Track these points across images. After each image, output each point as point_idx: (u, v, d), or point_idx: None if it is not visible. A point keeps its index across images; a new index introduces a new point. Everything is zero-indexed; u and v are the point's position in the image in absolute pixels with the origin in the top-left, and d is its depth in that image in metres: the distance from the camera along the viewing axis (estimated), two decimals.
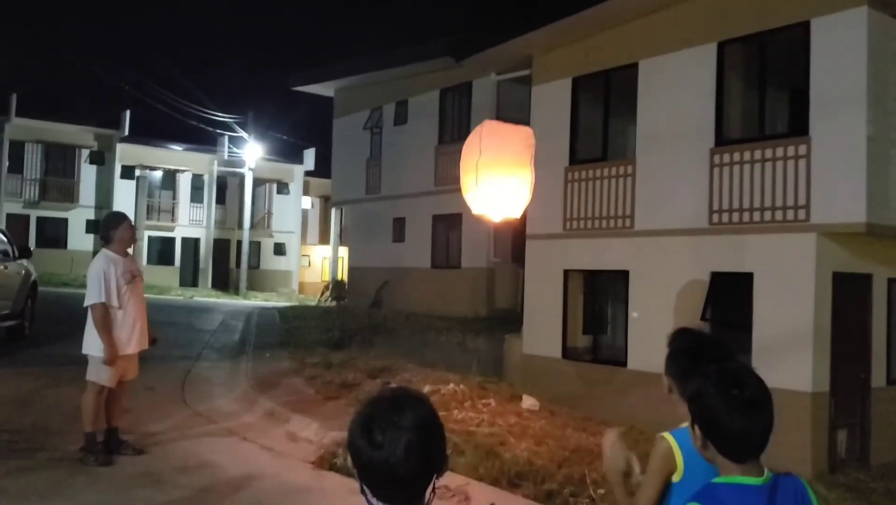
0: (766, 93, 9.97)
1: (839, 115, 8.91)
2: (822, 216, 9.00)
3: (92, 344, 5.92)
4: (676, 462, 2.56)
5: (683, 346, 2.93)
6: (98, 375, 5.98)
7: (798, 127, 9.37)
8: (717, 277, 10.06)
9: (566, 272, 12.09)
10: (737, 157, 9.87)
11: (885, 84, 9.04)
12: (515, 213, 5.89)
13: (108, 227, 6.18)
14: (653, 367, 10.84)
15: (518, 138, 5.91)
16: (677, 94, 10.74)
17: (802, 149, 9.18)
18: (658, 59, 11.03)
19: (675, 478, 2.58)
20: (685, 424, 2.38)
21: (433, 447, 1.64)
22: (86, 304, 5.80)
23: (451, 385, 9.40)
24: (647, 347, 10.69)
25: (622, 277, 11.25)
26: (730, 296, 9.97)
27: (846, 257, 9.36)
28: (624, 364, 11.02)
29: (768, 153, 9.54)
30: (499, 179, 5.68)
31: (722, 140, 10.15)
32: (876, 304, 9.78)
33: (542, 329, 12.11)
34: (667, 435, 2.62)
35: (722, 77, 10.26)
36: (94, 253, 32.81)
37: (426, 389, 9.21)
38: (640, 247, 10.99)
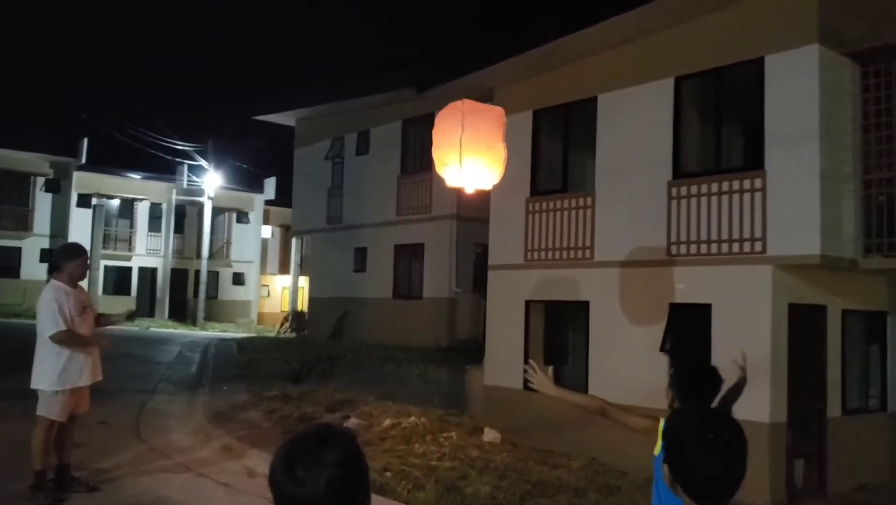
0: (722, 127, 10.16)
1: (793, 150, 9.10)
2: (778, 248, 9.15)
3: (42, 378, 5.75)
4: (659, 439, 3.19)
5: (686, 370, 3.81)
6: (49, 409, 5.81)
7: (754, 161, 9.55)
8: (675, 309, 10.15)
9: (527, 302, 12.12)
10: (694, 189, 10.02)
11: (837, 119, 9.26)
12: (487, 185, 6.44)
13: (63, 257, 6.03)
14: (613, 397, 10.85)
15: (494, 116, 6.25)
16: (636, 127, 10.89)
17: (758, 182, 9.35)
18: (616, 94, 11.21)
19: (656, 451, 3.29)
20: None
21: (357, 483, 1.63)
22: (47, 335, 5.63)
23: (413, 418, 9.32)
24: (608, 378, 10.74)
25: (583, 307, 11.30)
26: (689, 327, 10.05)
27: (801, 289, 9.51)
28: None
29: (725, 186, 9.70)
30: (480, 153, 5.98)
31: (679, 173, 10.30)
32: (830, 334, 9.94)
33: (504, 360, 12.09)
34: (662, 419, 3.29)
35: (679, 111, 10.44)
36: (48, 283, 32.30)
37: (387, 422, 9.12)
38: (600, 278, 11.06)
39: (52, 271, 5.94)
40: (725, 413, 2.27)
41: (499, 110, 6.41)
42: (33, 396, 6.11)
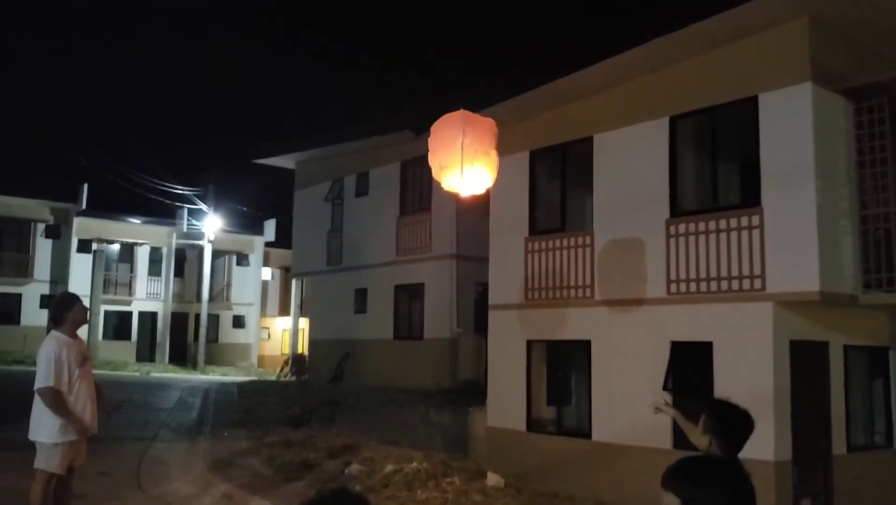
0: (718, 165, 10.23)
1: (789, 187, 9.15)
2: (778, 285, 9.15)
3: (42, 430, 5.69)
4: None
5: (727, 413, 4.05)
6: (48, 462, 5.74)
7: (750, 198, 9.60)
8: (677, 347, 10.12)
9: (529, 342, 12.09)
10: (692, 227, 10.05)
11: (832, 156, 9.33)
12: (480, 190, 6.81)
13: (61, 308, 6.00)
14: (617, 438, 10.85)
15: (488, 126, 6.74)
16: (632, 166, 10.96)
17: (755, 219, 9.39)
18: (612, 133, 11.30)
19: None
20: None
21: None
22: (36, 386, 5.59)
23: (415, 463, 9.23)
24: (611, 418, 10.67)
25: (584, 346, 11.27)
26: (690, 365, 10.02)
27: (802, 325, 9.50)
28: (588, 436, 10.95)
29: (722, 224, 9.73)
30: (478, 159, 6.46)
31: (677, 211, 10.35)
32: (833, 371, 9.90)
33: (506, 401, 12.03)
34: None
35: (675, 150, 10.51)
36: (49, 329, 32.17)
37: (389, 468, 9.04)
38: (601, 317, 11.05)
39: (54, 324, 5.91)
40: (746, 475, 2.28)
41: (491, 122, 6.74)
42: (31, 447, 6.05)
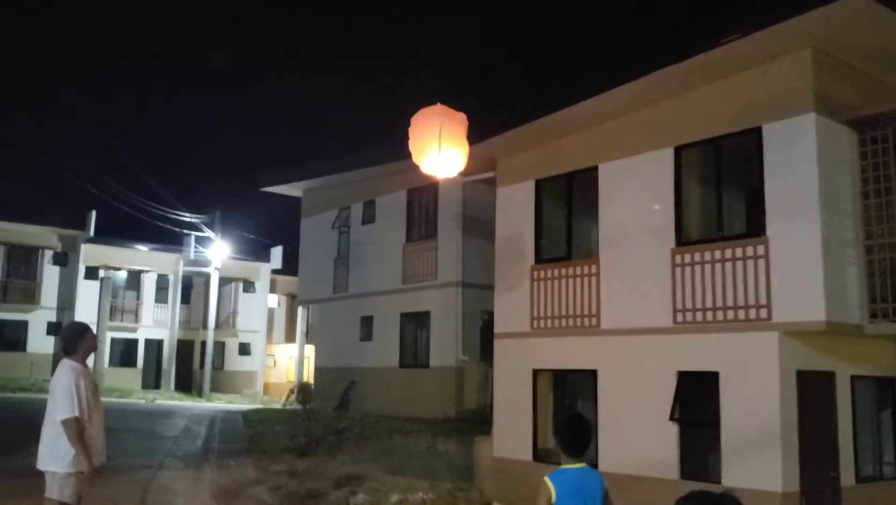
0: (723, 195, 10.26)
1: (794, 216, 9.18)
2: (783, 315, 9.15)
3: (56, 459, 5.67)
4: (552, 493, 4.20)
5: (562, 423, 4.60)
6: (61, 492, 5.73)
7: (755, 228, 9.62)
8: (683, 376, 10.11)
9: (535, 371, 12.07)
10: (697, 257, 10.08)
11: (836, 186, 9.36)
12: (454, 173, 7.87)
13: (74, 337, 6.03)
14: (624, 468, 10.80)
15: (460, 119, 7.64)
16: (637, 196, 11.01)
17: (760, 249, 9.41)
18: (617, 163, 11.36)
19: (552, 502, 4.22)
20: (564, 466, 4.28)
21: None
22: (60, 417, 5.59)
23: (420, 494, 9.21)
24: (618, 448, 10.63)
25: (591, 376, 11.24)
26: (697, 395, 9.99)
27: (809, 355, 9.48)
28: (594, 465, 10.86)
29: (728, 253, 9.76)
30: (454, 144, 7.45)
31: (682, 240, 10.38)
32: (840, 401, 9.85)
33: (513, 430, 11.98)
34: (546, 477, 4.24)
35: (680, 180, 10.56)
36: (55, 356, 32.08)
37: (395, 498, 9.02)
38: (607, 346, 11.04)
39: (67, 353, 5.93)
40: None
41: (463, 115, 7.67)
42: (38, 476, 6.03)
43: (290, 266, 36.91)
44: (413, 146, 7.71)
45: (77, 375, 5.76)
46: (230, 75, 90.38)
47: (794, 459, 9.02)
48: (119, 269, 36.61)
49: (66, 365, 5.83)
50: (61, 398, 5.65)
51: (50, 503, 5.79)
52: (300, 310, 27.22)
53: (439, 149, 7.43)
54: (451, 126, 7.60)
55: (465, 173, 17.46)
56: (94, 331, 6.54)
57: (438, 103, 7.68)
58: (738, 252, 9.66)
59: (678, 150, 10.61)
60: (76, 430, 5.62)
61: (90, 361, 6.64)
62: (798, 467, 9.03)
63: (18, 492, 9.35)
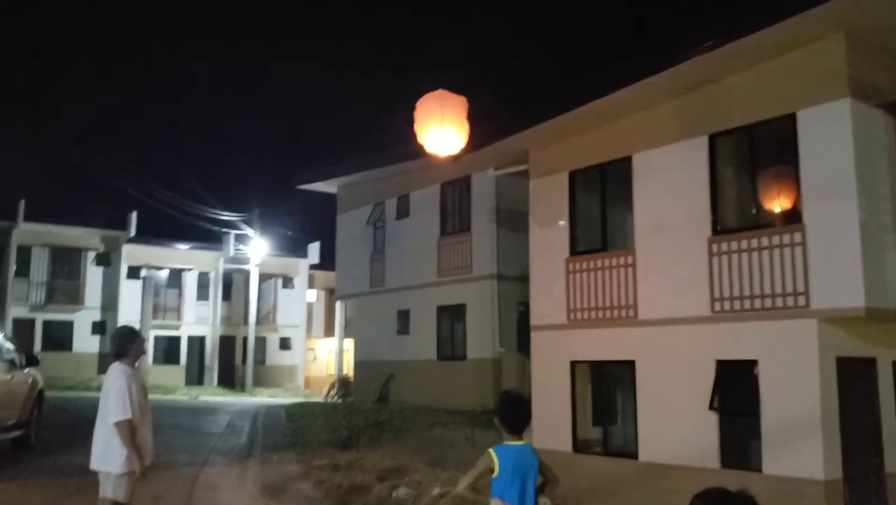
0: (758, 182, 10.20)
1: (831, 203, 9.11)
2: (822, 302, 9.09)
3: (111, 460, 5.86)
4: (495, 464, 4.40)
5: (503, 400, 4.80)
6: (116, 491, 5.92)
7: (792, 215, 9.57)
8: (722, 365, 10.08)
9: (573, 363, 12.11)
10: (734, 245, 10.04)
11: (873, 171, 9.26)
12: (454, 151, 8.38)
13: (125, 341, 6.22)
14: (663, 458, 10.80)
15: (460, 102, 8.18)
16: (672, 185, 10.98)
17: (797, 236, 9.35)
18: (651, 153, 11.33)
19: (494, 475, 4.43)
20: (506, 442, 4.51)
21: None
22: (113, 420, 5.78)
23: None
24: (658, 438, 10.64)
25: (629, 367, 11.26)
26: (736, 383, 9.97)
27: (849, 342, 9.41)
28: (635, 456, 10.92)
29: (764, 241, 9.70)
30: (455, 124, 8.08)
31: (718, 229, 10.34)
32: (882, 387, 9.78)
33: (551, 422, 12.04)
34: (490, 449, 4.47)
35: (715, 168, 10.52)
36: (100, 355, 32.64)
37: (436, 491, 9.13)
38: (645, 336, 11.04)
39: (117, 357, 6.12)
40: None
41: (463, 98, 8.21)
42: (88, 474, 6.21)
43: (327, 261, 37.29)
44: (417, 127, 8.37)
45: (129, 378, 5.95)
46: (266, 75, 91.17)
47: (836, 446, 8.98)
48: (160, 268, 37.26)
49: (118, 368, 6.02)
50: (114, 401, 5.84)
51: (104, 503, 5.99)
52: (338, 304, 27.48)
53: (441, 126, 8.10)
54: (452, 107, 8.22)
55: (497, 166, 17.70)
56: (138, 329, 6.74)
57: (440, 89, 8.37)
58: (775, 240, 9.61)
59: (712, 138, 10.56)
60: (128, 431, 5.80)
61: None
62: (840, 454, 8.99)
63: (71, 489, 9.63)
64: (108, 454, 5.88)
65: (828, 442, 8.89)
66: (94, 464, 5.99)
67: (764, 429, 9.44)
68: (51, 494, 9.58)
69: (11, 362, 12.20)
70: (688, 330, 10.51)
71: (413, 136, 8.81)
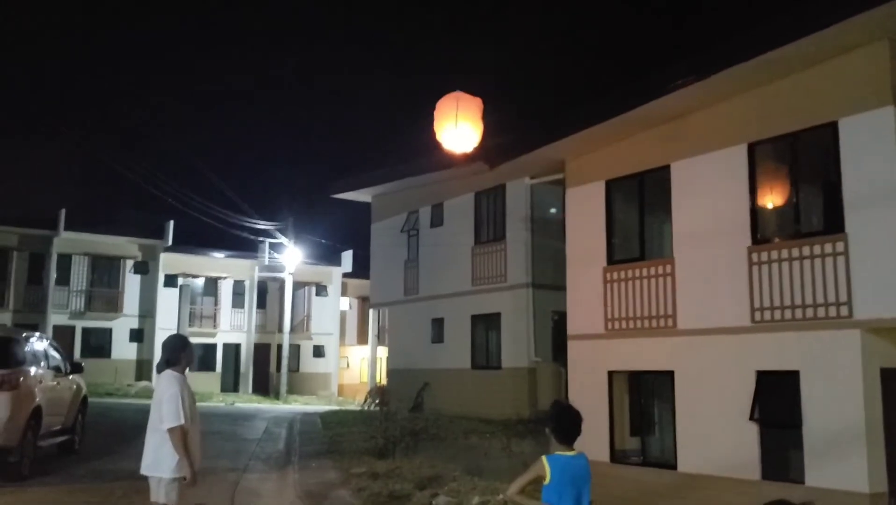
0: (799, 191, 10.12)
1: (874, 211, 9.02)
2: (865, 312, 9.00)
3: (163, 465, 5.97)
4: (547, 472, 4.45)
5: (554, 410, 4.79)
6: (168, 496, 6.03)
7: (834, 224, 9.47)
8: (762, 376, 10.00)
9: (610, 373, 12.07)
10: (774, 255, 9.97)
11: None
12: (469, 148, 8.82)
13: (177, 350, 6.33)
14: (703, 468, 10.72)
15: (476, 102, 8.64)
16: (711, 194, 10.93)
17: (840, 245, 9.26)
18: (689, 161, 11.29)
19: (546, 482, 4.48)
20: (557, 453, 4.54)
21: None
22: (166, 426, 5.91)
23: (501, 495, 9.32)
24: (697, 449, 10.58)
25: (668, 377, 11.20)
26: (777, 394, 9.88)
27: (893, 352, 9.29)
28: (674, 466, 10.86)
29: (806, 251, 9.62)
30: (469, 121, 8.56)
31: (758, 238, 10.27)
32: None
33: (589, 432, 11.79)
34: (543, 457, 4.53)
35: (754, 177, 10.46)
36: (137, 362, 33.04)
37: (475, 500, 9.17)
38: (684, 346, 10.99)
39: (169, 365, 6.24)
40: None
41: (478, 99, 8.69)
42: (133, 479, 6.31)
43: (360, 269, 37.50)
44: (436, 126, 8.85)
45: (180, 386, 6.07)
46: (300, 85, 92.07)
47: (881, 458, 8.87)
48: (197, 276, 37.74)
49: (170, 375, 6.14)
50: (167, 408, 5.95)
51: None
52: (371, 312, 27.64)
53: (455, 124, 8.57)
54: (467, 106, 8.67)
55: (533, 175, 17.73)
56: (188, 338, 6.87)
57: (457, 91, 8.89)
58: (817, 249, 9.53)
59: (752, 147, 10.51)
60: (181, 437, 5.92)
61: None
62: (885, 467, 8.88)
63: (118, 494, 9.81)
64: (160, 460, 6.00)
65: (872, 454, 8.78)
66: (146, 469, 6.11)
67: (806, 440, 9.35)
68: (98, 499, 9.77)
69: (57, 369, 12.46)
70: (727, 340, 10.44)
71: (460, 155, 9.19)
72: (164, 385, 6.08)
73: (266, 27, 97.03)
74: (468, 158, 18.74)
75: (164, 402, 5.97)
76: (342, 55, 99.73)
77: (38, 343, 12.10)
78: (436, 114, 8.99)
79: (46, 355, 12.18)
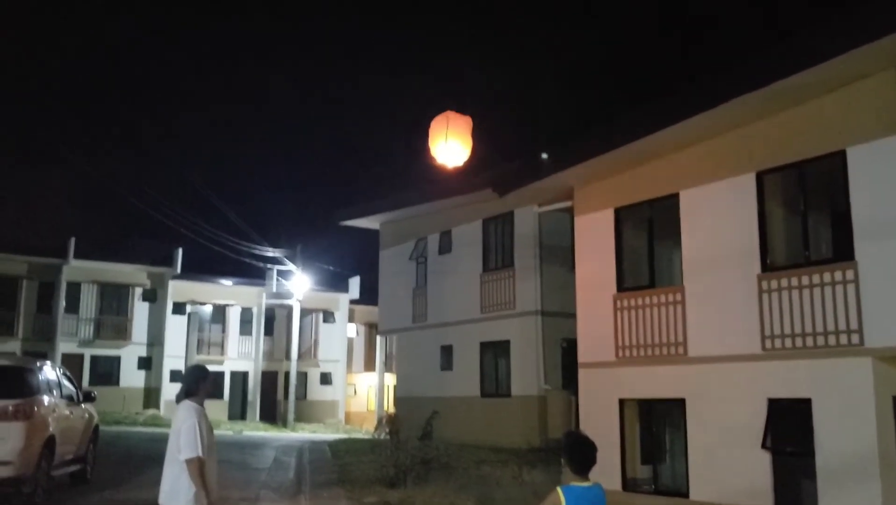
0: (808, 219, 10.19)
1: (884, 239, 9.07)
2: (876, 340, 9.02)
3: (180, 496, 5.99)
4: (562, 503, 4.32)
5: (568, 439, 4.73)
6: None
7: (843, 252, 9.53)
8: (774, 404, 10.00)
9: (621, 401, 12.07)
10: (784, 282, 10.01)
11: None
12: (459, 162, 9.39)
13: (197, 380, 6.36)
14: (716, 497, 10.67)
15: (465, 121, 9.27)
16: (720, 222, 11.00)
17: (850, 273, 9.31)
18: (698, 189, 11.37)
19: None
20: (572, 483, 4.42)
21: None
22: (184, 457, 5.94)
23: None
24: (709, 477, 10.55)
25: (679, 405, 11.20)
26: (790, 422, 9.87)
27: None
28: (686, 495, 10.83)
29: (816, 278, 9.67)
30: (459, 137, 9.21)
31: (768, 266, 10.32)
32: None
33: (600, 460, 11.82)
34: (558, 488, 4.38)
35: (763, 205, 10.53)
36: (146, 390, 32.93)
37: None
38: (695, 374, 11.00)
39: (188, 395, 6.28)
40: None
41: (468, 118, 9.33)
42: None
43: (367, 295, 37.54)
44: (430, 142, 9.45)
45: (199, 416, 6.11)
46: (306, 111, 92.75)
47: None
48: (205, 303, 37.81)
49: (189, 406, 6.18)
50: (186, 439, 5.99)
51: None
52: (379, 339, 27.66)
53: (445, 140, 9.18)
54: (457, 123, 9.28)
55: (541, 202, 17.81)
56: (182, 364, 6.93)
57: (448, 111, 9.57)
58: (827, 277, 9.57)
59: (760, 176, 10.59)
60: (198, 468, 5.95)
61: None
62: None
63: None
64: (177, 490, 6.02)
65: (887, 484, 8.76)
66: (163, 499, 6.13)
67: (819, 469, 9.33)
68: None
69: (70, 398, 12.49)
70: (738, 367, 10.46)
71: (452, 170, 9.64)
72: (183, 415, 6.12)
73: (272, 54, 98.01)
74: (477, 186, 19.02)
75: (182, 432, 6.00)
76: (352, 83, 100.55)
77: (50, 372, 12.15)
78: (430, 131, 9.63)
79: (59, 384, 12.21)
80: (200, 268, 37.48)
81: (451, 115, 9.41)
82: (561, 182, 13.92)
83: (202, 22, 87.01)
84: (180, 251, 36.98)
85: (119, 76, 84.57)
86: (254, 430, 31.36)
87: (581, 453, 4.66)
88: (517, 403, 18.82)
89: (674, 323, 11.43)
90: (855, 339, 9.20)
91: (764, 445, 9.93)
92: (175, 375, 35.03)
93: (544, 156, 13.64)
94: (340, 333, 41.54)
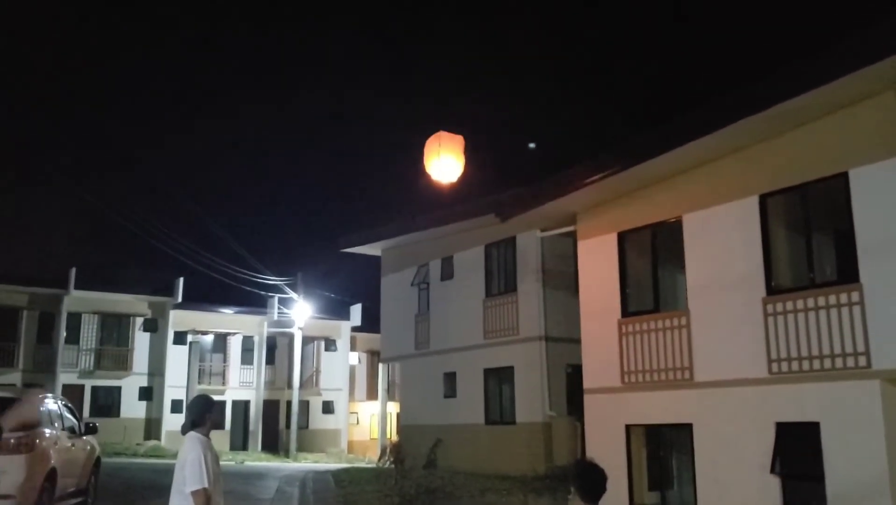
0: (812, 241, 10.17)
1: (888, 261, 9.04)
2: (884, 362, 8.97)
3: None
4: None
5: (578, 468, 4.69)
6: None
7: (848, 274, 9.50)
8: (782, 428, 9.92)
9: (628, 427, 11.97)
10: (790, 305, 9.96)
11: None
12: (453, 178, 9.88)
13: (203, 410, 6.31)
14: None
15: (458, 140, 9.84)
16: (724, 245, 10.98)
17: (855, 295, 9.27)
18: (702, 213, 11.37)
19: None
20: None
21: None
22: (190, 489, 5.89)
23: None
24: (718, 502, 10.44)
25: (686, 430, 11.11)
26: (798, 446, 9.78)
27: None
28: None
29: (821, 301, 9.63)
30: (452, 153, 9.74)
31: (773, 289, 10.29)
32: None
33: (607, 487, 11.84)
34: None
35: (767, 228, 10.52)
36: (147, 421, 32.72)
37: None
38: (702, 399, 10.92)
39: (194, 427, 6.23)
40: None
41: (460, 137, 9.89)
42: None
43: (368, 323, 37.45)
44: (425, 160, 9.94)
45: (205, 448, 6.05)
46: (307, 138, 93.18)
47: None
48: (206, 332, 37.69)
49: (195, 438, 6.12)
50: (191, 471, 5.93)
51: None
52: (381, 366, 27.51)
53: (438, 157, 9.70)
54: (449, 142, 9.81)
55: (544, 227, 17.81)
56: (184, 394, 6.89)
57: (440, 132, 10.07)
58: (832, 299, 9.53)
59: (763, 198, 10.59)
60: (204, 500, 5.89)
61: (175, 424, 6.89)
62: None
63: None
64: None
65: None
66: None
67: (829, 494, 9.23)
68: None
69: (72, 430, 12.39)
70: (745, 392, 10.39)
71: (446, 186, 10.01)
72: (189, 448, 6.06)
73: (274, 77, 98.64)
74: (480, 211, 19.02)
75: (188, 464, 5.95)
76: (352, 108, 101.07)
77: (52, 404, 12.07)
78: (425, 150, 10.12)
79: (61, 416, 12.13)
80: (201, 297, 37.48)
81: (443, 135, 9.89)
82: (563, 207, 13.93)
83: (202, 46, 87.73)
84: (181, 280, 36.95)
85: (118, 104, 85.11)
86: (256, 460, 31.13)
87: (592, 481, 4.65)
88: (522, 430, 18.64)
89: (679, 347, 11.37)
90: (862, 361, 9.14)
91: (773, 470, 9.83)
92: (176, 406, 34.83)
93: (531, 145, 14.57)
94: (342, 361, 41.36)
